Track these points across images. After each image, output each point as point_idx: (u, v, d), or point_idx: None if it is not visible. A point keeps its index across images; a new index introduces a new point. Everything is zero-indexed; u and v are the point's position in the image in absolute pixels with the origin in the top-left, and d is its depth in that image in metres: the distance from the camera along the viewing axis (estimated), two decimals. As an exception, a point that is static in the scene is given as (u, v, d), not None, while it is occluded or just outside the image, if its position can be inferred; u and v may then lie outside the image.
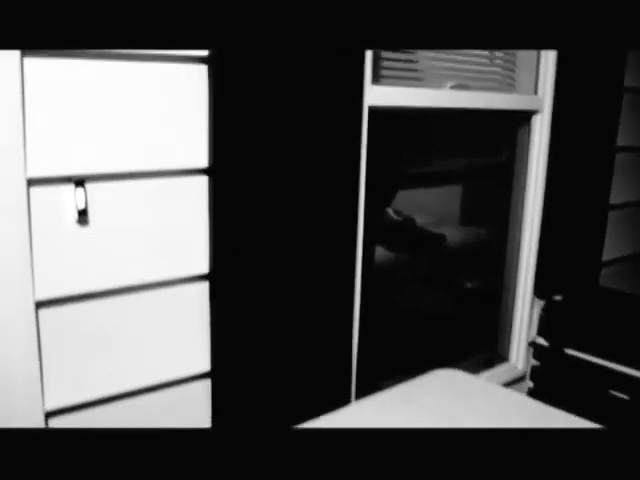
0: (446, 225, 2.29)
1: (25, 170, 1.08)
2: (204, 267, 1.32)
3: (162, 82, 1.21)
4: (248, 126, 1.26)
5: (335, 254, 1.46)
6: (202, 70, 1.24)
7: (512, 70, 1.98)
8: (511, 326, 2.16)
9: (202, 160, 1.28)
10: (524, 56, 1.96)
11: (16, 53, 1.04)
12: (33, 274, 1.12)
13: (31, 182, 1.10)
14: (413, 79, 1.71)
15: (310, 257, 1.42)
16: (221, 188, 1.27)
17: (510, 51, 1.97)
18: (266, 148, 1.29)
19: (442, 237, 2.24)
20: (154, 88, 1.20)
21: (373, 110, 1.52)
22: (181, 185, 1.27)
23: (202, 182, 1.29)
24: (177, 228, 1.28)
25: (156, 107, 1.21)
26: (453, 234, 2.28)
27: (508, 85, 1.99)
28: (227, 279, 1.31)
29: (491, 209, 2.27)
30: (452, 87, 1.73)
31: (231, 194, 1.27)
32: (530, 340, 2.20)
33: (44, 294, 1.14)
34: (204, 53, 1.23)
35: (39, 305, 1.14)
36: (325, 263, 1.45)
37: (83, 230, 1.17)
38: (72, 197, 1.15)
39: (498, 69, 1.97)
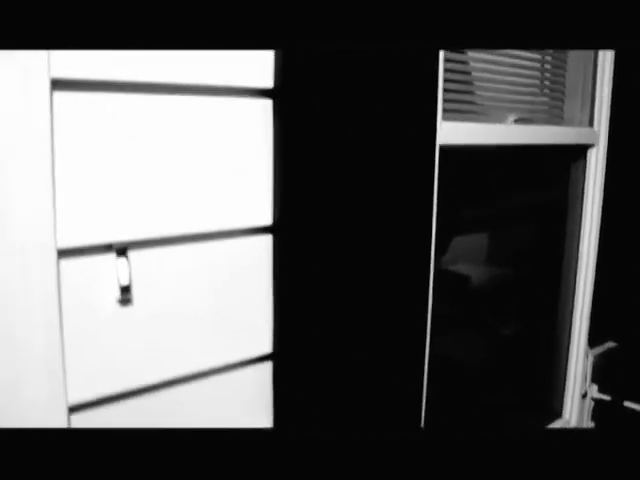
0: (462, 263, 2.10)
1: (55, 239, 0.83)
2: (267, 346, 1.08)
3: (216, 121, 0.98)
4: (319, 173, 1.04)
5: (408, 322, 1.24)
6: (266, 106, 1.02)
7: (561, 100, 1.82)
8: (564, 378, 1.97)
9: (265, 216, 1.05)
10: (574, 85, 1.81)
11: (45, 86, 0.80)
12: (65, 371, 0.86)
13: (62, 253, 0.85)
14: (472, 112, 1.53)
15: (383, 323, 1.19)
16: (287, 249, 1.04)
17: (560, 80, 1.81)
18: (341, 200, 1.07)
19: (465, 277, 2.04)
20: (207, 129, 0.97)
21: (443, 150, 1.32)
22: (240, 247, 1.03)
23: (264, 243, 1.06)
24: (236, 300, 1.04)
25: (210, 153, 0.98)
26: (474, 274, 2.09)
27: (556, 117, 1.83)
28: (293, 360, 1.07)
29: (522, 248, 2.08)
30: (516, 121, 1.55)
31: (299, 256, 1.04)
32: (583, 392, 2.00)
33: (78, 396, 0.88)
34: (268, 84, 1.01)
35: (72, 410, 0.88)
36: (397, 332, 1.22)
37: (126, 311, 0.92)
38: (113, 270, 0.90)
39: (546, 99, 1.81)
